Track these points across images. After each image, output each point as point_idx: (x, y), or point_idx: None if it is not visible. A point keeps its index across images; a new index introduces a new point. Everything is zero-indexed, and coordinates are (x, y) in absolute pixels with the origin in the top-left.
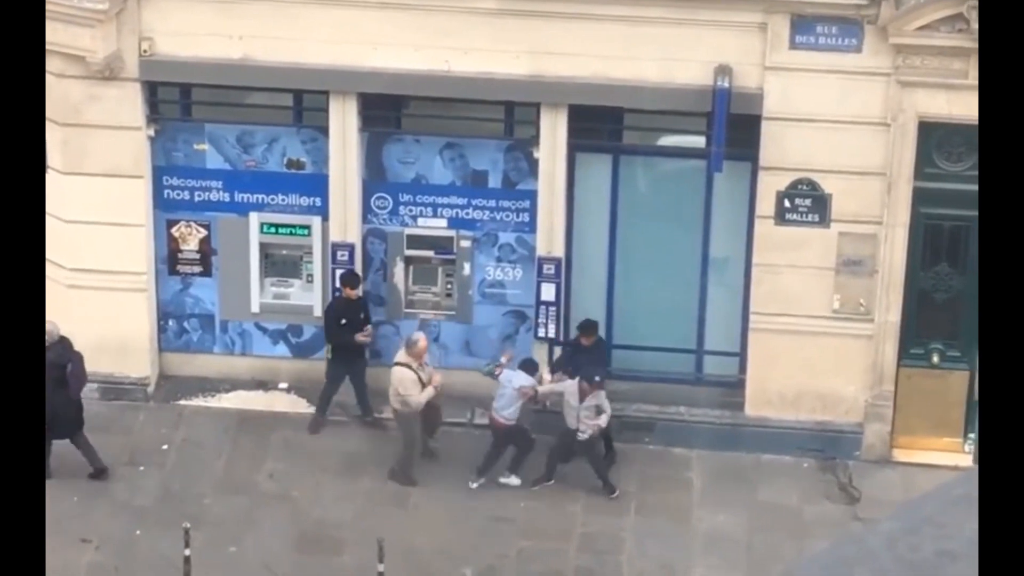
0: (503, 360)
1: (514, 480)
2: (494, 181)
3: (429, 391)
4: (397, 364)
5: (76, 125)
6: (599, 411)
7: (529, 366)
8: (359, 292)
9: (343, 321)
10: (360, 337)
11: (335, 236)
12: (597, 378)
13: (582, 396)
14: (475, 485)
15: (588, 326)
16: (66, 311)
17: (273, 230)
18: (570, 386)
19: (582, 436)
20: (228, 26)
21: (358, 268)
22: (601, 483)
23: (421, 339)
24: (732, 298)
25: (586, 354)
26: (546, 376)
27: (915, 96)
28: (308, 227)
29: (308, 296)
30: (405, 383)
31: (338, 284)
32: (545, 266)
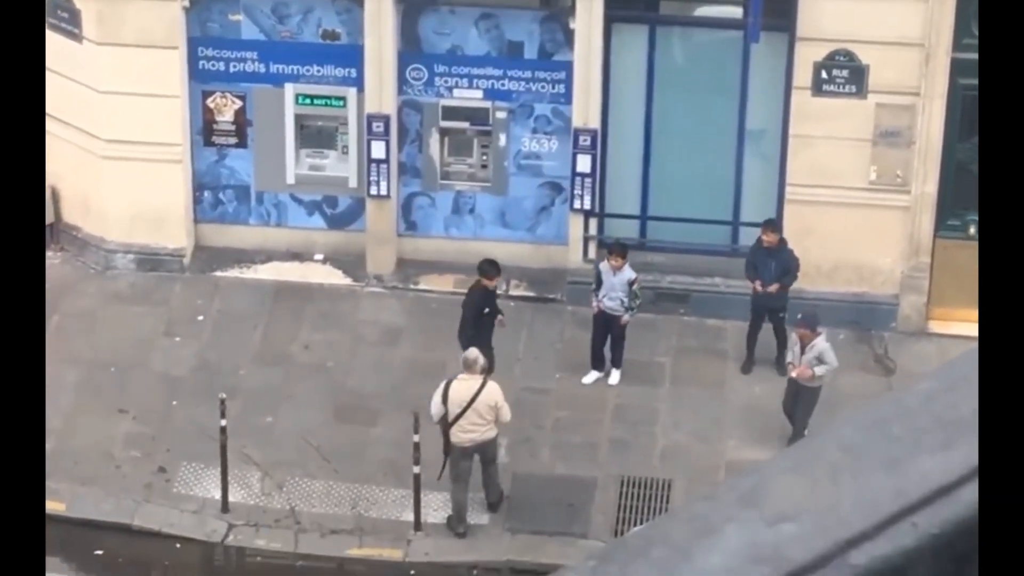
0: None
1: (613, 377)
2: (530, 52)
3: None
4: (487, 383)
5: None
6: (820, 362)
7: (619, 249)
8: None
9: (486, 310)
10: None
11: (370, 107)
12: (820, 329)
13: (803, 342)
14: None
15: (770, 223)
16: (100, 182)
17: (308, 101)
18: (793, 336)
19: (809, 385)
20: None
21: (393, 139)
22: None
23: (480, 355)
24: (768, 169)
25: (768, 257)
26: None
27: None
28: (343, 98)
29: (343, 167)
30: (502, 394)
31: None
32: (581, 137)
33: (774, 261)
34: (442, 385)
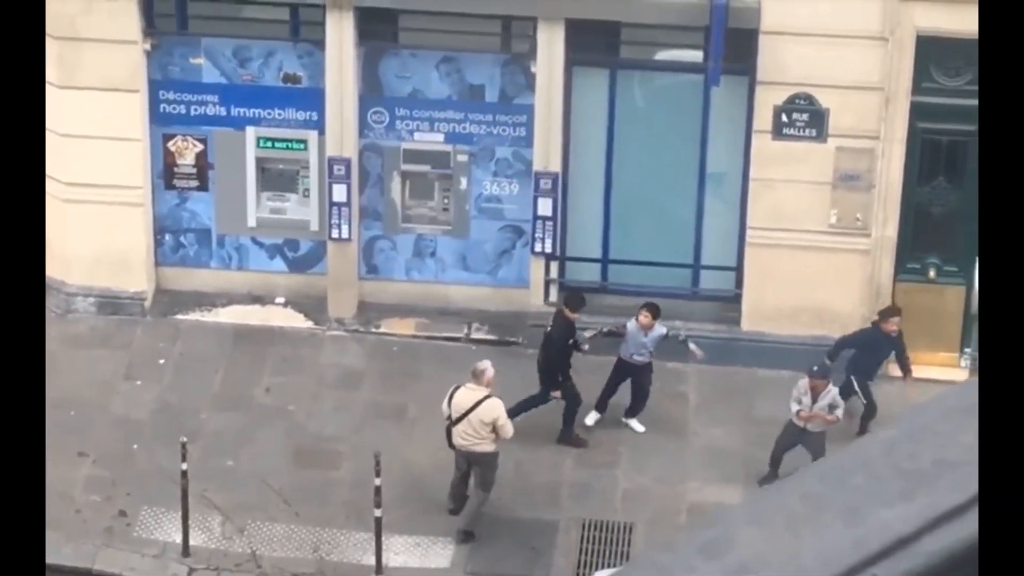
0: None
1: (638, 426)
2: (491, 95)
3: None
4: (488, 398)
5: (72, 39)
6: (832, 408)
7: (652, 308)
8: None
9: (570, 341)
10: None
11: (331, 150)
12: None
13: (815, 392)
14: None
15: (893, 310)
16: (61, 225)
17: (269, 144)
18: (803, 386)
19: (816, 430)
20: None
21: (354, 182)
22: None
23: (489, 368)
24: (729, 213)
25: (887, 344)
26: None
27: (913, 10)
28: (304, 141)
29: (305, 211)
30: (503, 412)
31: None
32: (542, 181)
33: (893, 348)
34: (451, 389)
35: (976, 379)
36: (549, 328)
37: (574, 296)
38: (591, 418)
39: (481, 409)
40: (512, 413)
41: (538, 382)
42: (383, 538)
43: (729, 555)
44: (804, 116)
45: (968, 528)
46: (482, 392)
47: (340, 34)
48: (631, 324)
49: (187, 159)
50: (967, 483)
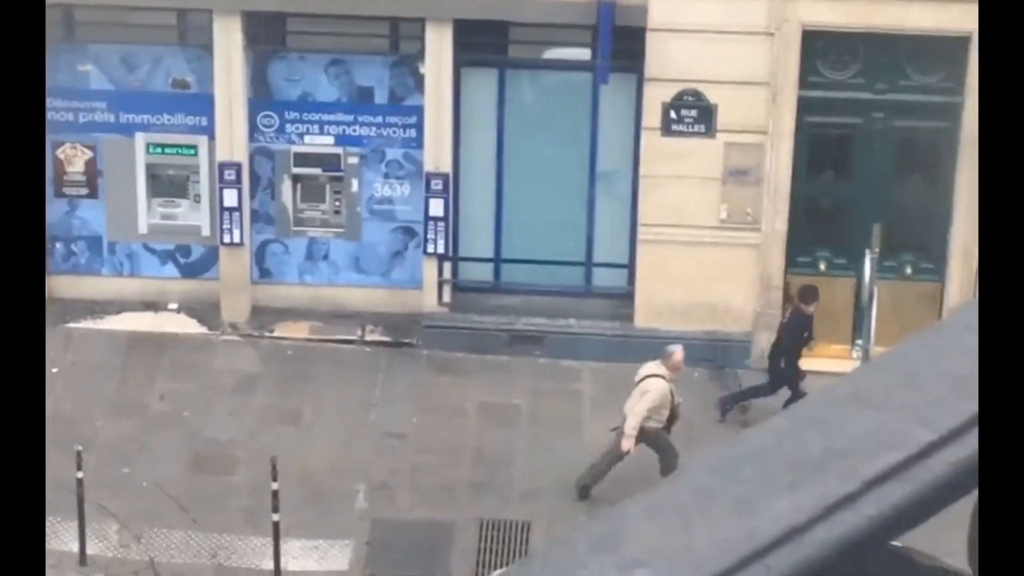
0: None
1: None
2: (380, 97)
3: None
4: (654, 376)
5: None
6: None
7: None
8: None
9: (805, 334)
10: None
11: (222, 155)
12: None
13: None
14: None
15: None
16: None
17: (159, 150)
18: None
19: None
20: None
21: (245, 187)
22: None
23: (678, 351)
24: (620, 210)
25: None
26: None
27: (798, 5)
28: (195, 147)
29: (196, 216)
30: (654, 397)
31: (797, 300)
32: (433, 182)
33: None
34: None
35: (861, 365)
36: (785, 320)
37: (808, 290)
38: None
39: (645, 382)
40: (732, 400)
41: (767, 369)
42: (281, 542)
43: (623, 549)
44: (692, 112)
45: (857, 517)
46: (659, 371)
47: (228, 38)
48: None
49: (76, 167)
50: (856, 472)
